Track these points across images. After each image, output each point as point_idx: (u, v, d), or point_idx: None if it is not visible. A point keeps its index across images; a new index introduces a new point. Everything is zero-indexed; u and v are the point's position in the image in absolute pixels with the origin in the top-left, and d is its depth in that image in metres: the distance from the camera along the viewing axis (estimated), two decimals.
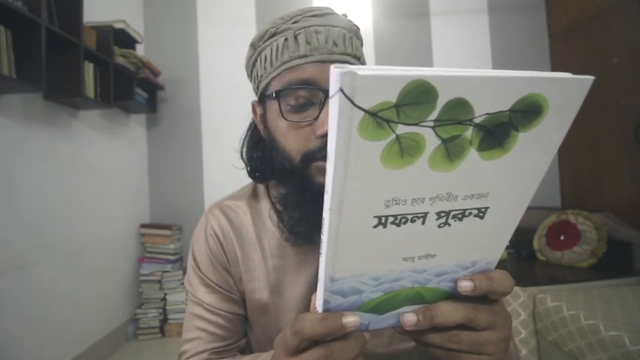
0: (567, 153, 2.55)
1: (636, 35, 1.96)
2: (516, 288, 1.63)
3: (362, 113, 0.19)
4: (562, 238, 1.97)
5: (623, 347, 1.16)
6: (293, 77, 0.47)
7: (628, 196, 2.06)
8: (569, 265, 1.90)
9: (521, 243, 2.17)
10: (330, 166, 0.21)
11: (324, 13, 0.49)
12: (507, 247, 2.21)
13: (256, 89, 0.54)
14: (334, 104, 0.19)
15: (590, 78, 0.21)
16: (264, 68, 0.50)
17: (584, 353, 1.31)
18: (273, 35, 0.49)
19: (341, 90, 0.18)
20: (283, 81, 0.48)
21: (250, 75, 0.55)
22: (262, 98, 0.53)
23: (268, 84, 0.50)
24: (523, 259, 2.09)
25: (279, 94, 0.47)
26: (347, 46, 0.48)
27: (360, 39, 0.53)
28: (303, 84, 0.46)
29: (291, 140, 0.48)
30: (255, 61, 0.52)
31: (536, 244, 2.08)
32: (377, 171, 0.21)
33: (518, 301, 1.61)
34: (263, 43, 0.50)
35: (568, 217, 1.99)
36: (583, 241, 1.88)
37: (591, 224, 1.90)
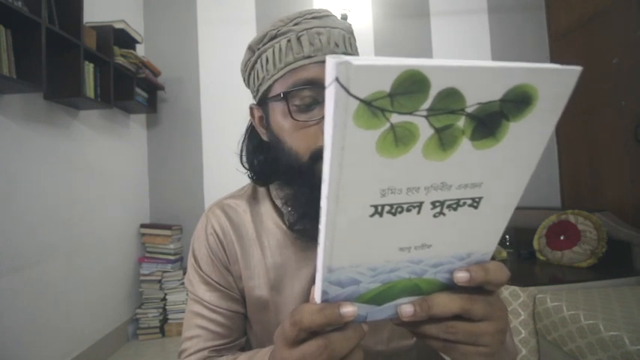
0: (567, 153, 2.55)
1: (636, 35, 1.96)
2: (516, 288, 1.63)
3: (357, 102, 0.19)
4: (562, 238, 1.97)
5: (622, 347, 1.16)
6: (298, 78, 0.48)
7: (628, 196, 2.06)
8: (569, 265, 1.90)
9: (521, 243, 2.17)
10: (326, 154, 0.22)
11: (324, 15, 0.51)
12: (507, 247, 2.22)
13: (255, 92, 0.54)
14: (330, 94, 0.20)
15: (578, 68, 0.21)
16: (266, 70, 0.50)
17: (584, 353, 1.31)
18: (274, 37, 0.50)
19: (337, 79, 0.19)
20: (288, 82, 0.48)
21: (248, 78, 0.55)
22: (263, 100, 0.53)
23: (271, 86, 0.51)
24: (523, 259, 2.09)
25: (287, 95, 0.48)
26: (347, 46, 0.50)
27: (355, 40, 0.55)
28: (309, 84, 0.47)
29: (299, 139, 0.49)
30: (255, 63, 0.52)
31: (536, 244, 2.08)
32: (372, 159, 0.22)
33: (518, 301, 1.61)
34: (263, 45, 0.51)
35: (568, 217, 1.99)
36: (583, 241, 1.88)
37: (591, 224, 1.90)
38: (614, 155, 2.16)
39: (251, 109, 0.57)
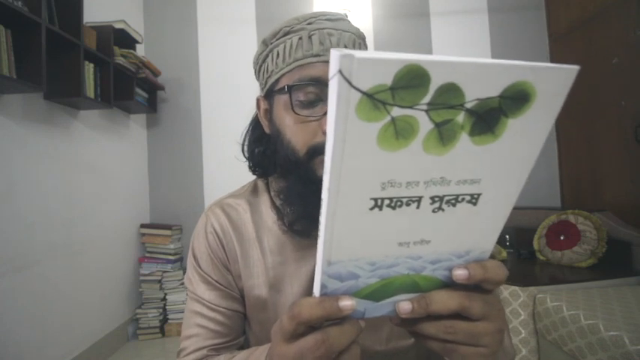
0: (567, 153, 2.55)
1: (636, 35, 1.96)
2: (516, 288, 1.63)
3: (359, 94, 0.20)
4: (562, 238, 1.97)
5: (622, 347, 1.16)
6: (304, 74, 0.49)
7: (628, 196, 2.06)
8: (569, 265, 1.90)
9: (521, 243, 2.17)
10: (328, 146, 0.22)
11: (338, 18, 0.53)
12: (507, 247, 2.22)
13: (264, 84, 0.56)
14: (333, 85, 0.20)
15: (576, 67, 0.22)
16: (276, 64, 0.52)
17: (584, 353, 1.31)
18: (287, 34, 0.52)
19: (340, 72, 0.19)
20: (294, 77, 0.50)
21: (259, 71, 0.57)
22: (270, 93, 0.55)
23: (278, 79, 0.52)
24: (523, 259, 2.09)
25: (291, 88, 0.49)
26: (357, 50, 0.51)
27: (366, 46, 0.56)
28: (313, 81, 0.49)
29: (298, 134, 0.50)
30: (267, 57, 0.54)
31: (536, 244, 2.08)
32: (373, 152, 0.22)
33: (518, 301, 1.61)
34: (276, 40, 0.53)
35: (568, 217, 1.99)
36: (583, 241, 1.88)
37: (591, 224, 1.90)
38: (614, 155, 2.16)
39: (258, 100, 0.59)
